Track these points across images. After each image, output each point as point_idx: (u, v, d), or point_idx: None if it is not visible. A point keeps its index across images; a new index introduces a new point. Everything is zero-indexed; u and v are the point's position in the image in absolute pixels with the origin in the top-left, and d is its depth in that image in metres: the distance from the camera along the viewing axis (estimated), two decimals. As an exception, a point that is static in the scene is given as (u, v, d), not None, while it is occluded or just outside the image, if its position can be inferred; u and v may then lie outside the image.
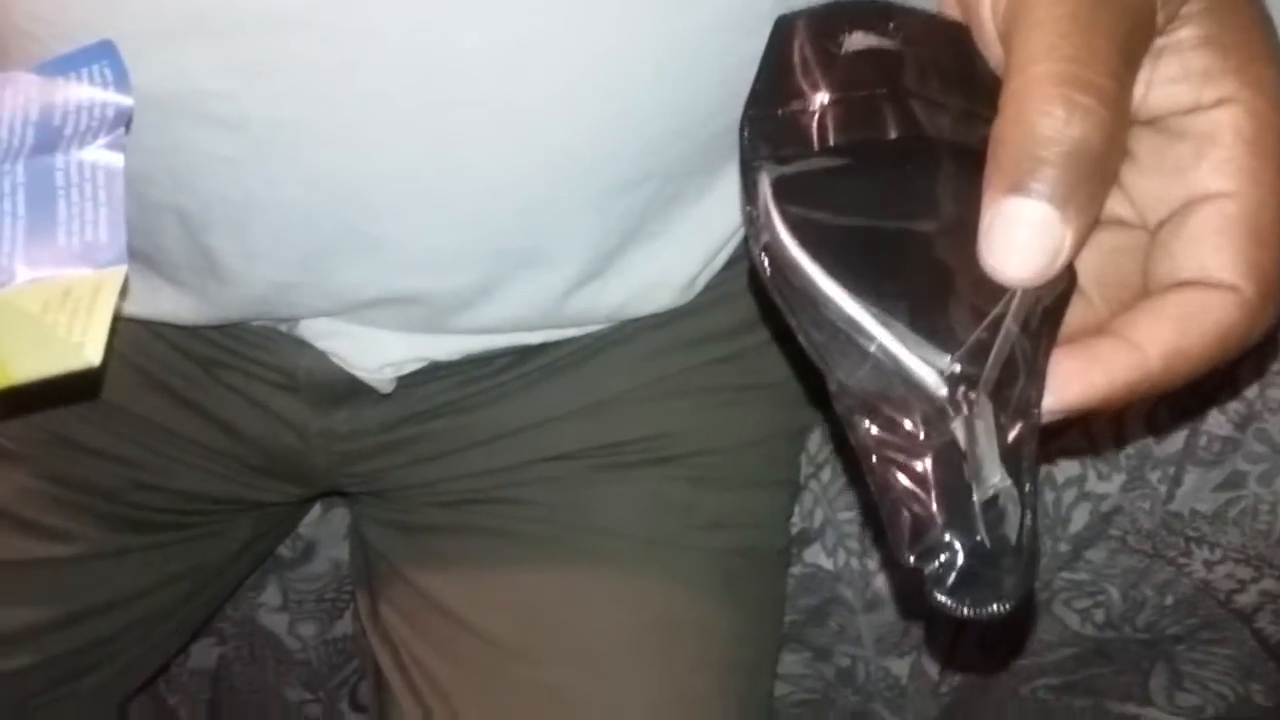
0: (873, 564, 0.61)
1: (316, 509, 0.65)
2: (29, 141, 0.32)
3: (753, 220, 0.26)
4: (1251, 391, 0.56)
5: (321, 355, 0.46)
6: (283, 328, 0.46)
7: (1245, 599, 0.59)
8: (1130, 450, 0.57)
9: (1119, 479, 0.57)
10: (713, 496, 0.50)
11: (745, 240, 0.39)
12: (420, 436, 0.50)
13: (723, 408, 0.51)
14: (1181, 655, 0.62)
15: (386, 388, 0.46)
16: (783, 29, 0.28)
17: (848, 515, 0.61)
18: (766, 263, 0.25)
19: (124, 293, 0.45)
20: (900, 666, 0.65)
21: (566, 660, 0.47)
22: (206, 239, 0.40)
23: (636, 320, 0.48)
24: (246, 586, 0.68)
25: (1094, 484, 0.58)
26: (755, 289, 0.49)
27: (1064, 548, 0.59)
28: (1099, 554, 0.59)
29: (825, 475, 0.60)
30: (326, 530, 0.68)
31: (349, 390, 0.47)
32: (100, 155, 0.32)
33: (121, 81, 0.33)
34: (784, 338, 0.54)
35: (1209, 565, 0.58)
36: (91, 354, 0.29)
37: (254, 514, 0.56)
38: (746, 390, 0.51)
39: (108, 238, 0.31)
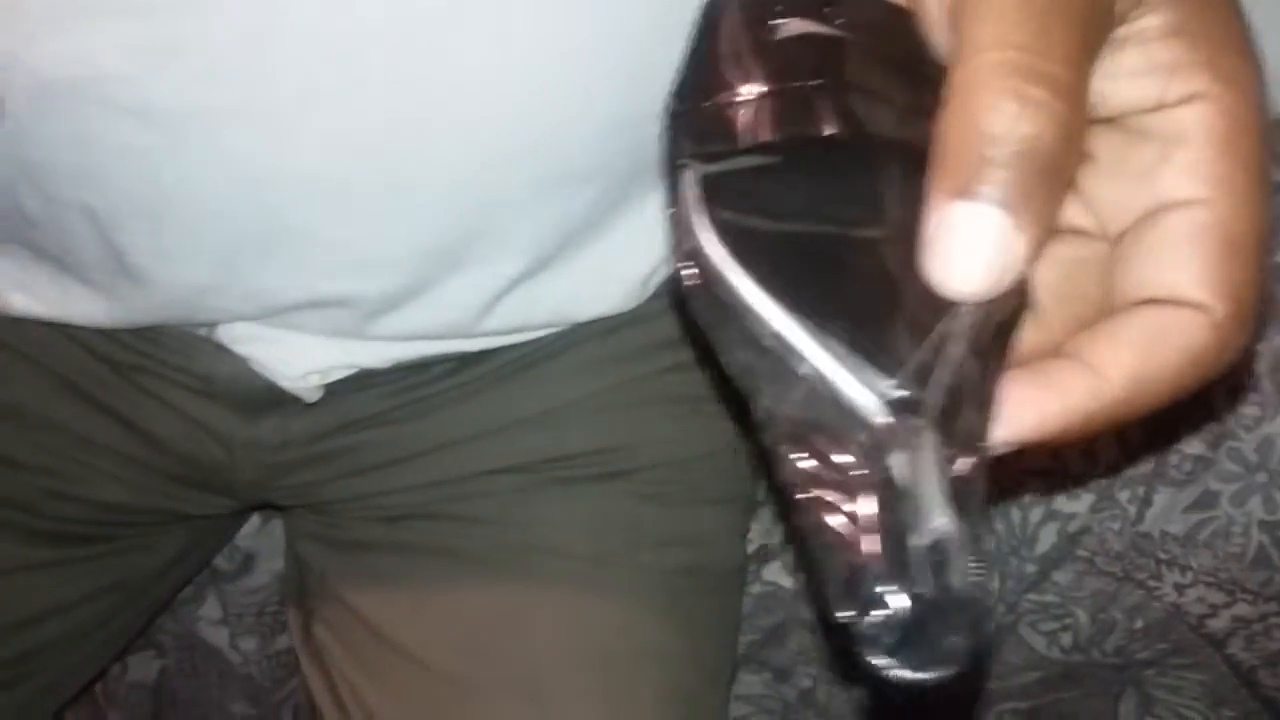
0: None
1: (255, 520, 0.62)
2: None
3: (676, 224, 0.23)
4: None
5: (241, 361, 0.43)
6: (201, 332, 0.43)
7: (1217, 624, 0.57)
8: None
9: (1087, 498, 0.55)
10: (662, 513, 0.47)
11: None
12: (352, 448, 0.47)
13: (672, 420, 0.48)
14: (1151, 680, 0.60)
15: (312, 396, 0.44)
16: (711, 14, 0.26)
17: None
18: (689, 272, 0.23)
19: (33, 292, 0.42)
20: (862, 689, 0.63)
21: (506, 690, 0.44)
22: (117, 237, 0.38)
23: (583, 325, 0.46)
24: (185, 599, 0.66)
25: (1061, 503, 0.56)
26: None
27: (1030, 569, 0.57)
28: (1066, 575, 0.57)
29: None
30: (267, 542, 0.65)
31: (272, 399, 0.44)
32: None
33: None
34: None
35: (1180, 589, 0.56)
36: None
37: (183, 525, 0.53)
38: (698, 402, 0.49)
39: None
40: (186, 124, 0.34)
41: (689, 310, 0.23)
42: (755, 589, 0.59)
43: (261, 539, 0.65)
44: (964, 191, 0.20)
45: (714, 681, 0.49)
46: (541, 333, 0.46)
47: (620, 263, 0.44)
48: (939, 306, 0.22)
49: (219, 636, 0.69)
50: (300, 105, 0.34)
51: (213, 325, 0.42)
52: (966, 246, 0.20)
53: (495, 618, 0.46)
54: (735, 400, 0.47)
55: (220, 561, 0.64)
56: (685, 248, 0.23)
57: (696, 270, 0.23)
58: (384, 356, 0.43)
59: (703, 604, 0.48)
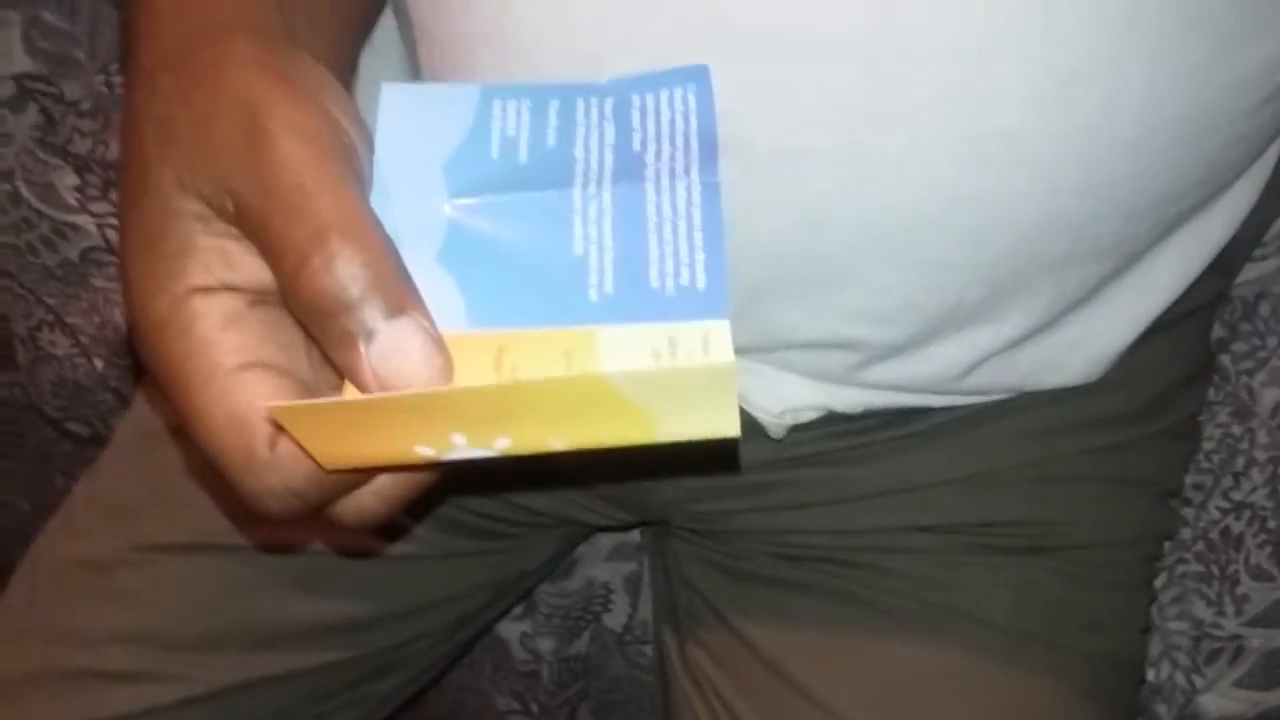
0: (1201, 682, 0.56)
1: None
2: (609, 165, 0.29)
3: None
4: None
5: None
6: None
7: None
8: None
9: None
10: (1089, 596, 0.46)
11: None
12: (781, 484, 0.47)
13: (1108, 501, 0.47)
14: None
15: (780, 433, 0.43)
16: None
17: (1180, 626, 0.56)
18: None
19: None
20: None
21: (927, 754, 0.43)
22: None
23: (1032, 394, 0.45)
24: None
25: None
26: None
27: None
28: None
29: (1160, 580, 0.56)
30: (589, 549, 0.66)
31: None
32: (695, 190, 0.28)
33: (706, 110, 0.30)
34: (1175, 434, 0.49)
35: None
36: (733, 424, 0.26)
37: (564, 530, 0.53)
38: (1133, 485, 0.47)
39: (706, 285, 0.27)
40: (774, 162, 0.34)
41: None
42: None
43: (586, 546, 0.66)
44: None
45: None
46: (997, 397, 0.44)
47: (1096, 336, 0.43)
48: None
49: (512, 631, 0.70)
50: (896, 153, 0.34)
51: None
52: None
53: (912, 678, 0.45)
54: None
55: (543, 562, 0.65)
56: None
57: None
58: (856, 402, 0.43)
59: (1119, 696, 0.46)
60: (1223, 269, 0.47)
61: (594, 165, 0.29)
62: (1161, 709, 0.57)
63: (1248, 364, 0.53)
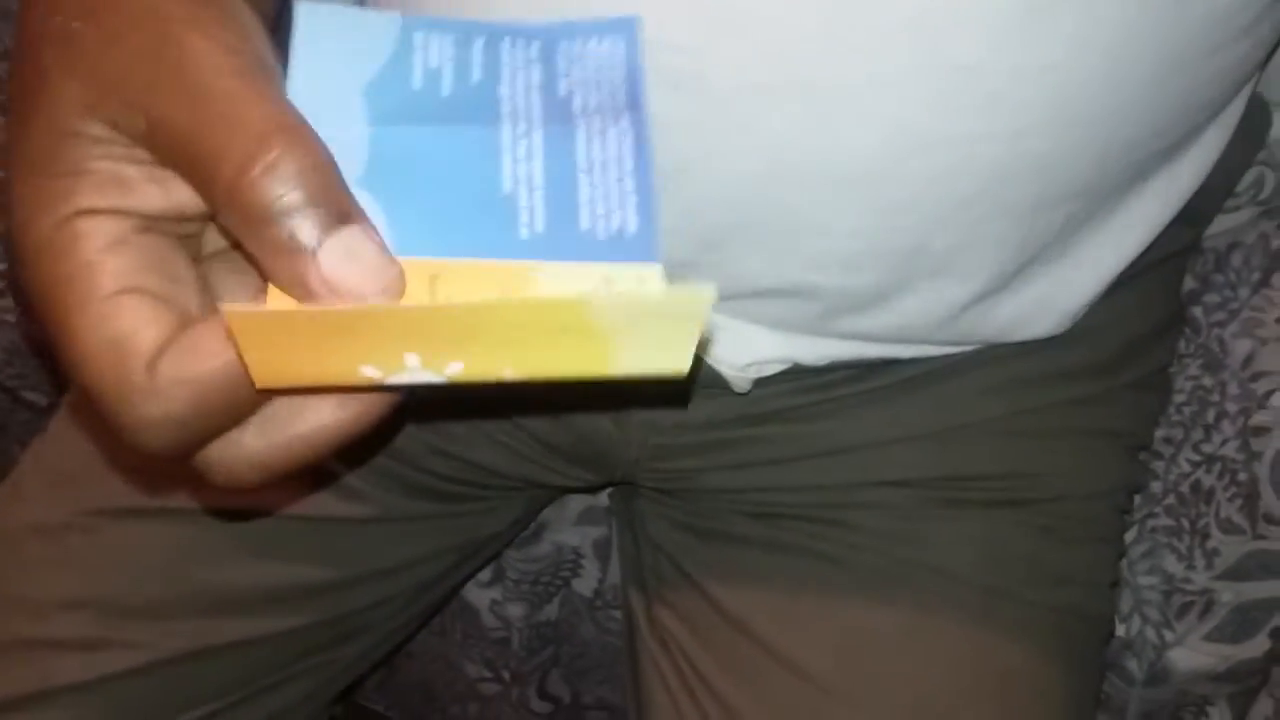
0: (1171, 636, 0.56)
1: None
2: (537, 107, 0.28)
3: None
4: None
5: None
6: None
7: None
8: None
9: None
10: (1059, 549, 0.45)
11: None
12: (744, 440, 0.46)
13: (1079, 453, 0.46)
14: None
15: (744, 387, 0.42)
16: None
17: (1150, 580, 0.56)
18: None
19: None
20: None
21: (893, 710, 0.43)
22: None
23: (1000, 347, 0.44)
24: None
25: None
26: None
27: None
28: None
29: (1131, 534, 0.55)
30: (558, 513, 0.65)
31: (698, 384, 0.43)
32: (626, 136, 0.28)
33: (634, 61, 0.29)
34: (1145, 386, 0.49)
35: None
36: (686, 360, 0.25)
37: (530, 493, 0.53)
38: (1104, 437, 0.47)
39: (637, 229, 0.26)
40: (735, 100, 0.33)
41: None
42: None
43: (553, 510, 0.65)
44: None
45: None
46: (959, 348, 0.44)
47: (1067, 286, 0.42)
48: None
49: (481, 598, 0.69)
50: (857, 89, 0.32)
51: None
52: None
53: (882, 633, 0.44)
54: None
55: (510, 527, 0.64)
56: None
57: None
58: (822, 354, 0.42)
59: (1088, 648, 0.46)
60: (1191, 217, 0.46)
61: (521, 105, 0.28)
62: (1132, 664, 0.57)
63: (1219, 315, 0.53)
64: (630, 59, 0.29)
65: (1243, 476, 0.53)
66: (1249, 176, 0.51)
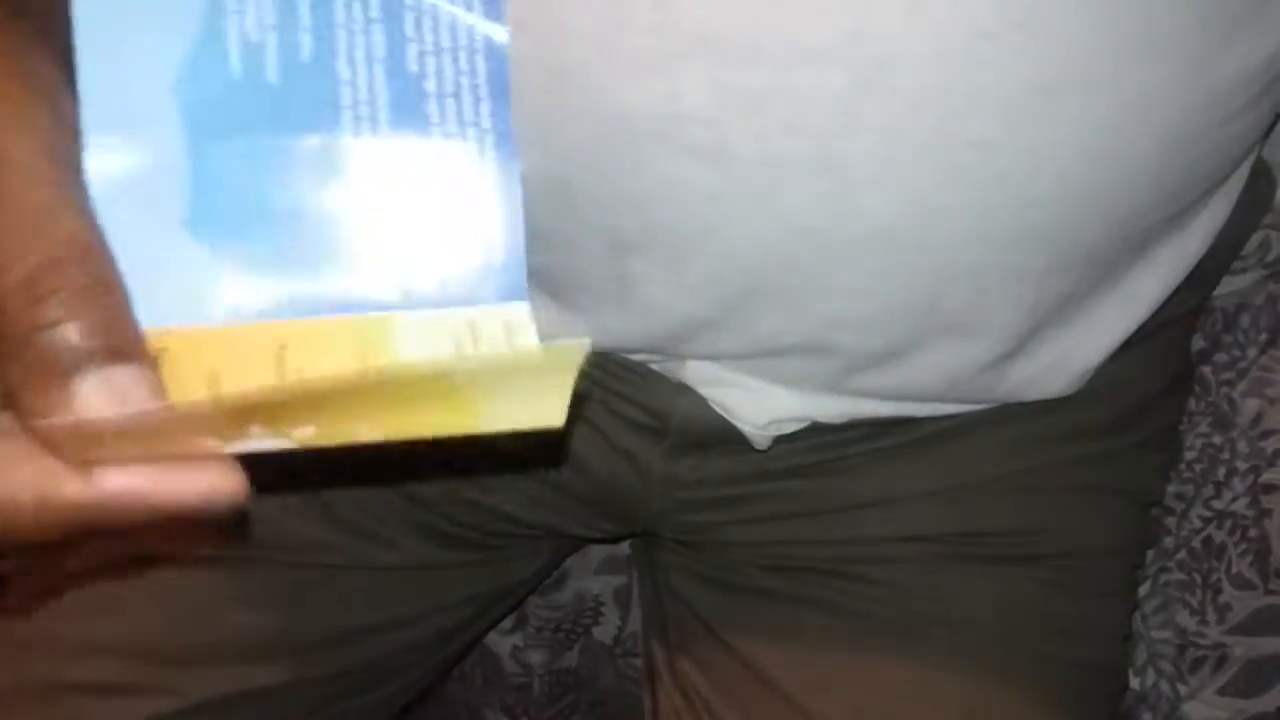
0: (1185, 690, 0.56)
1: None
2: (382, 96, 0.25)
3: None
4: None
5: (702, 402, 0.43)
6: (655, 366, 0.44)
7: None
8: None
9: None
10: (1072, 604, 0.46)
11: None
12: (766, 495, 0.47)
13: (1091, 509, 0.47)
14: None
15: (764, 444, 0.44)
16: None
17: (1163, 635, 0.56)
18: None
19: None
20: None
21: (910, 762, 0.43)
22: (633, 265, 0.38)
23: (1013, 406, 0.45)
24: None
25: None
26: None
27: None
28: None
29: (1144, 588, 0.56)
30: (580, 561, 0.66)
31: (714, 440, 0.44)
32: (488, 145, 0.24)
33: (495, 17, 0.26)
34: (1155, 444, 0.50)
35: None
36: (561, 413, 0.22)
37: (553, 543, 0.54)
38: (1115, 493, 0.48)
39: (504, 261, 0.23)
40: (753, 170, 0.34)
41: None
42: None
43: (575, 558, 0.66)
44: None
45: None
46: (979, 407, 0.45)
47: (1079, 348, 0.43)
48: None
49: (502, 644, 0.70)
50: (875, 160, 0.34)
51: (679, 360, 0.43)
52: None
53: (898, 687, 0.45)
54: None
55: (533, 575, 0.65)
56: None
57: None
58: (839, 412, 0.43)
59: (1103, 703, 0.47)
60: (1199, 281, 0.47)
61: (364, 93, 0.24)
62: (1147, 716, 0.57)
63: (1228, 375, 0.54)
64: (490, 15, 0.26)
65: (1253, 532, 0.54)
66: (1255, 239, 0.53)
